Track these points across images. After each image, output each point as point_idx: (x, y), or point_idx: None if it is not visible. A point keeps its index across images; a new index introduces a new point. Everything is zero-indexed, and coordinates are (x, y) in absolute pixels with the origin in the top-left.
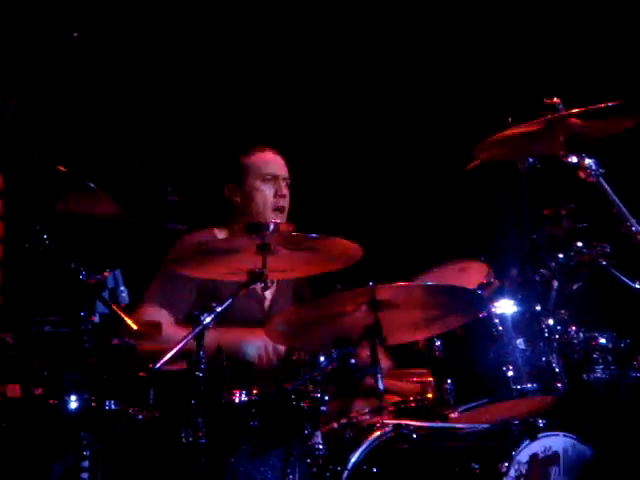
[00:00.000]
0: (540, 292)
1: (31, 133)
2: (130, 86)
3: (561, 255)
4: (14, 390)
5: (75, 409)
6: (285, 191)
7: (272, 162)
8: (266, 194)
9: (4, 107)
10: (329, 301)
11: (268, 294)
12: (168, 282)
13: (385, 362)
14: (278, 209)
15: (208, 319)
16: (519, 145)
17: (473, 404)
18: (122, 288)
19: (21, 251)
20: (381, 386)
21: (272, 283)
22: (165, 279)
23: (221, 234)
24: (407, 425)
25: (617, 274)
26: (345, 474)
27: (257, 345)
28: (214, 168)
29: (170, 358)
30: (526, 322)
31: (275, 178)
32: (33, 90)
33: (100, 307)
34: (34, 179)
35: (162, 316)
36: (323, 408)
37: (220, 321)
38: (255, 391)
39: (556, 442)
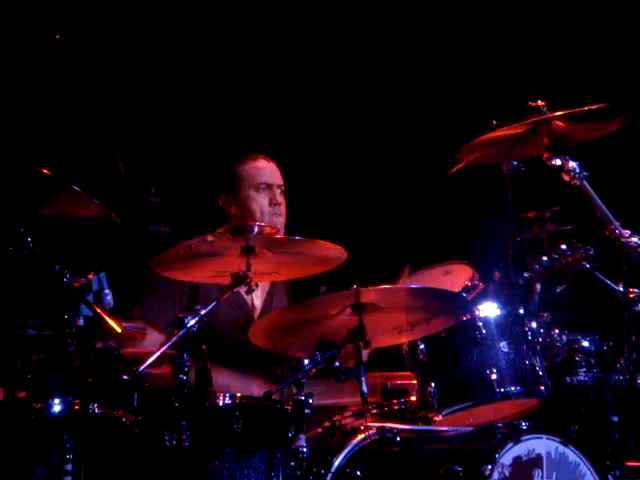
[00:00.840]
0: (523, 295)
1: (13, 136)
2: (113, 88)
3: (545, 258)
4: None
5: (58, 412)
6: (280, 199)
7: (265, 170)
8: (261, 203)
9: None
10: (313, 304)
11: (258, 303)
12: (154, 299)
13: None
14: (275, 218)
15: (192, 322)
16: (503, 148)
17: (457, 407)
18: (107, 291)
19: (5, 254)
20: (365, 389)
21: (256, 286)
22: (151, 296)
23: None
24: (391, 428)
25: (600, 277)
26: (329, 477)
27: None
28: (203, 174)
29: (154, 361)
30: (509, 325)
31: (269, 187)
32: (15, 92)
33: (84, 310)
34: (17, 182)
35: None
36: (307, 411)
37: (208, 331)
38: (239, 394)
39: (539, 445)
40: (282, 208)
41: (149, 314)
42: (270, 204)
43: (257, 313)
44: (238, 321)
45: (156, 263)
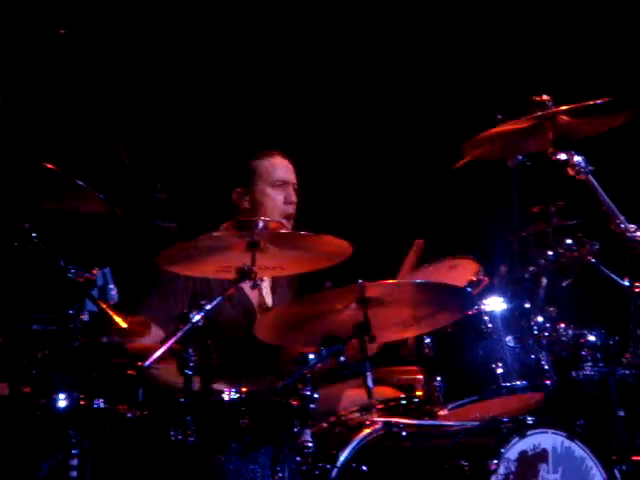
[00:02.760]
0: (529, 289)
1: (19, 130)
2: (119, 82)
3: (550, 252)
4: (2, 388)
5: (64, 407)
6: (294, 198)
7: (281, 167)
8: (276, 200)
9: None
10: (318, 299)
11: (262, 300)
12: (163, 298)
13: None
14: (287, 217)
15: (197, 317)
16: (508, 142)
17: (462, 401)
18: (111, 286)
19: (9, 249)
20: (370, 384)
21: (261, 281)
22: (160, 295)
23: None
24: (396, 423)
25: (606, 271)
26: (334, 472)
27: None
28: (210, 170)
29: (159, 356)
30: (515, 319)
31: (285, 184)
32: (20, 86)
33: (89, 305)
34: (22, 177)
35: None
36: (312, 406)
37: (212, 328)
38: (244, 389)
39: (545, 439)
40: (293, 209)
41: (154, 315)
42: (285, 202)
43: (259, 310)
44: (240, 318)
45: (161, 259)
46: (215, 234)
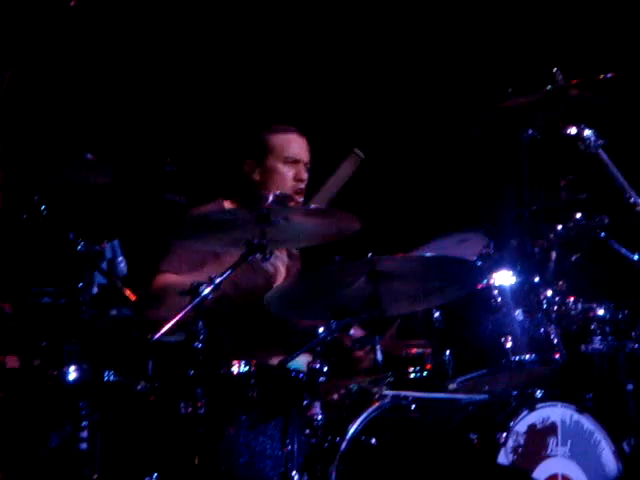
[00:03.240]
0: (539, 263)
1: (29, 104)
2: (130, 55)
3: (560, 226)
4: (13, 361)
5: (74, 380)
6: (305, 175)
7: (296, 145)
8: (286, 176)
9: (1, 78)
10: (328, 273)
11: (277, 270)
12: (184, 249)
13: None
14: (296, 193)
15: (207, 290)
16: (519, 116)
17: (471, 375)
18: (120, 259)
19: (19, 222)
20: (380, 357)
21: (271, 254)
22: (181, 247)
23: (231, 207)
24: (406, 396)
25: (615, 245)
26: (344, 445)
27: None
28: (219, 143)
29: (169, 329)
30: (525, 293)
31: (297, 162)
32: (30, 60)
33: (99, 278)
34: (32, 149)
35: (179, 282)
36: (322, 379)
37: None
38: (254, 362)
39: (554, 412)
40: (303, 186)
41: (178, 267)
42: (295, 179)
43: (276, 281)
44: (257, 288)
45: (173, 233)
46: (226, 205)
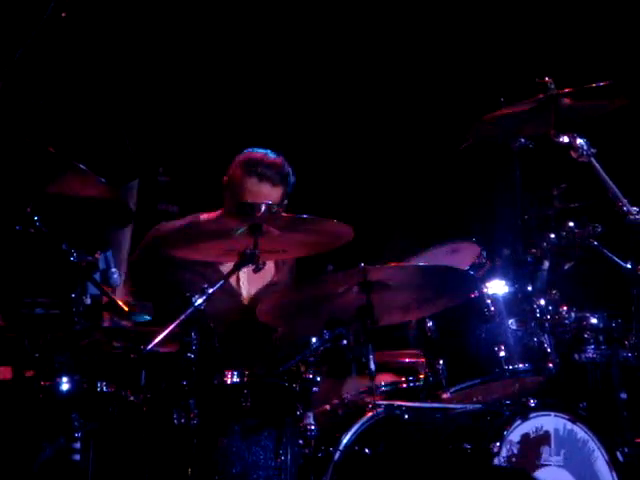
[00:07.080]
0: (531, 272)
1: (21, 114)
2: (122, 67)
3: (552, 235)
4: (5, 372)
5: (66, 391)
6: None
7: (251, 192)
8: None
9: None
10: (321, 282)
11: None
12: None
13: None
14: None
15: (199, 301)
16: (511, 125)
17: (465, 384)
18: (113, 270)
19: (12, 233)
20: (373, 367)
21: (264, 265)
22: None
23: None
24: (399, 406)
25: (608, 254)
26: (337, 455)
27: None
28: (211, 154)
29: (161, 340)
30: (518, 302)
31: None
32: (22, 71)
33: (91, 289)
34: (25, 161)
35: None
36: (315, 389)
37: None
38: (247, 372)
39: (547, 422)
40: None
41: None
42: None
43: (245, 299)
44: (229, 306)
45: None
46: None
